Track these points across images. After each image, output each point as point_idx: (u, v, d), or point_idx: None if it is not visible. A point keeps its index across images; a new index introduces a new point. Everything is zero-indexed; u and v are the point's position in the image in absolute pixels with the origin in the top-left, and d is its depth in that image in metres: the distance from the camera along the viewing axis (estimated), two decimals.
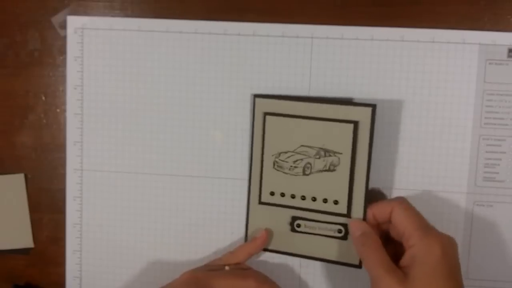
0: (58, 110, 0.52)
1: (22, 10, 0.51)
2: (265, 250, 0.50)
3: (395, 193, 0.49)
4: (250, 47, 0.49)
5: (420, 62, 0.48)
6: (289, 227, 0.49)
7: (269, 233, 0.49)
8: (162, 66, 0.50)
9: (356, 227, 0.45)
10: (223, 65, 0.50)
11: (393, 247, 0.44)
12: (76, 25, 0.51)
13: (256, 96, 0.48)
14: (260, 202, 0.49)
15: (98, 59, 0.51)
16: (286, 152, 0.47)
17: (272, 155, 0.48)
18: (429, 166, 0.49)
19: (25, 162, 0.53)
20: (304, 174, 0.47)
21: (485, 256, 0.49)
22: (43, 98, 0.52)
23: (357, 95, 0.49)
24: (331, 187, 0.47)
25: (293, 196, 0.48)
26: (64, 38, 0.51)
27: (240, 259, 0.48)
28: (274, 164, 0.48)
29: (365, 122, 0.45)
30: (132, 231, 0.52)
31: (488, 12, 0.47)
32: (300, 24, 0.49)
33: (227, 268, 0.47)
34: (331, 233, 0.48)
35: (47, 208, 0.53)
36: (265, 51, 0.49)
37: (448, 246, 0.40)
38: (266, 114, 0.48)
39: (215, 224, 0.51)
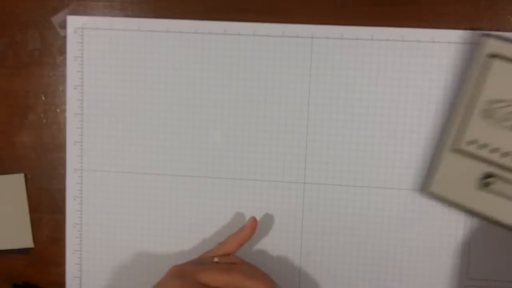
0: (58, 110, 0.52)
1: (22, 10, 0.51)
2: (442, 201, 0.46)
3: (395, 193, 0.49)
4: (250, 47, 0.49)
5: (420, 62, 0.48)
6: (477, 183, 0.45)
7: (256, 221, 0.48)
8: (162, 66, 0.50)
9: None
10: (223, 65, 0.50)
11: None
12: (76, 25, 0.51)
13: (484, 35, 0.44)
14: (454, 149, 0.45)
15: (98, 59, 0.51)
16: (502, 101, 0.43)
17: (485, 101, 0.43)
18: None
19: (25, 162, 0.53)
20: None
21: (485, 256, 0.49)
22: (43, 98, 0.52)
23: (357, 95, 0.49)
24: None
25: (493, 150, 0.44)
26: (64, 38, 0.51)
27: (230, 249, 0.48)
28: (484, 112, 0.43)
29: None
30: (132, 231, 0.52)
31: (488, 12, 0.47)
32: (300, 24, 0.49)
33: (216, 259, 0.47)
34: None
35: (47, 208, 0.53)
36: (265, 51, 0.49)
37: None
38: (491, 55, 0.43)
39: (215, 224, 0.51)
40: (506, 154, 0.43)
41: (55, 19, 0.51)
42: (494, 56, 0.43)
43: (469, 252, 0.49)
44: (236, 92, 0.50)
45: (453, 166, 0.44)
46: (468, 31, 0.47)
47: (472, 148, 0.44)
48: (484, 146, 0.43)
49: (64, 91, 0.52)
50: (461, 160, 0.44)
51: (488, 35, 0.43)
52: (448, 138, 0.45)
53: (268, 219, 0.51)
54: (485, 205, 0.44)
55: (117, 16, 0.51)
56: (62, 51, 0.52)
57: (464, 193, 0.45)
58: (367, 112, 0.49)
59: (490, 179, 0.44)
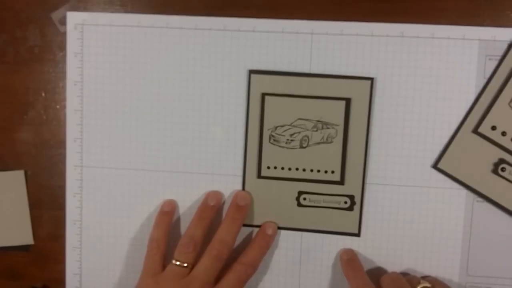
0: (58, 107, 0.52)
1: (22, 6, 0.51)
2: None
3: (394, 189, 0.49)
4: (250, 43, 0.49)
5: (420, 58, 0.48)
6: (296, 202, 0.49)
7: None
8: (162, 62, 0.50)
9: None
10: (222, 61, 0.50)
11: None
12: (76, 21, 0.51)
13: (252, 72, 0.49)
14: (260, 176, 0.49)
15: (98, 55, 0.51)
16: (282, 126, 0.48)
17: (268, 129, 0.49)
18: (429, 162, 0.49)
19: (25, 159, 0.53)
20: (301, 147, 0.48)
21: (485, 253, 0.49)
22: (43, 94, 0.52)
23: None
24: (327, 157, 0.48)
25: (290, 169, 0.49)
26: (64, 34, 0.51)
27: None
28: (270, 138, 0.48)
29: (362, 95, 0.47)
30: (132, 228, 0.52)
31: (488, 8, 0.47)
32: (300, 20, 0.49)
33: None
34: (337, 205, 0.49)
35: (47, 204, 0.53)
36: (265, 47, 0.49)
37: None
38: (264, 94, 0.48)
39: (216, 221, 0.51)
40: (303, 170, 0.49)
41: (55, 15, 0.51)
42: (264, 94, 0.48)
43: (468, 249, 0.49)
44: (236, 88, 0.50)
45: (268, 192, 0.50)
46: (468, 27, 0.47)
47: (273, 173, 0.49)
48: (282, 168, 0.49)
49: (64, 88, 0.52)
50: (272, 185, 0.49)
51: (254, 72, 0.48)
52: (250, 166, 0.49)
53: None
54: (307, 220, 0.50)
55: (117, 12, 0.51)
56: (62, 47, 0.52)
57: (288, 215, 0.50)
58: None
59: (303, 196, 0.49)
